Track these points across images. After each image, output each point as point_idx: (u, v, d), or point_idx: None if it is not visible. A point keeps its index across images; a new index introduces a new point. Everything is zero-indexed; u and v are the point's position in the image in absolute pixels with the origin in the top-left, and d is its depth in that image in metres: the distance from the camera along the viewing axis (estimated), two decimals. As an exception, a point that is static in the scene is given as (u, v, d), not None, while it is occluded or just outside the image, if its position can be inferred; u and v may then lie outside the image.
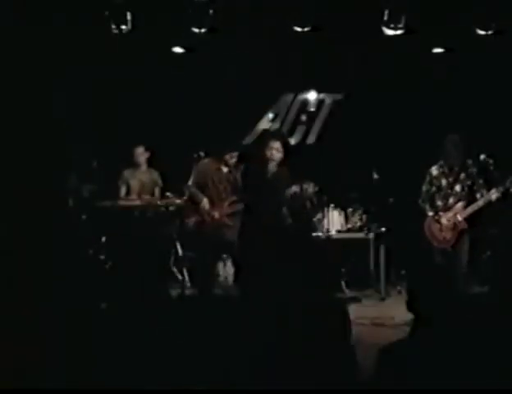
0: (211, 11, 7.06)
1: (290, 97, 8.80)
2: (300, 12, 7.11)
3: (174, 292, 7.10)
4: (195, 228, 6.55)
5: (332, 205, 7.59)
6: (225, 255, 7.41)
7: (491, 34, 7.08)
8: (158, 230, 7.45)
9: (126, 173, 7.73)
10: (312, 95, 8.71)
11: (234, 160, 6.46)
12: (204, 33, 7.19)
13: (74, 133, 7.76)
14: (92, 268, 6.94)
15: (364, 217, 7.61)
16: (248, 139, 8.54)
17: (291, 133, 8.81)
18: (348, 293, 7.50)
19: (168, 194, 7.53)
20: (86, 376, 3.28)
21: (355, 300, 7.19)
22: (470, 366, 2.66)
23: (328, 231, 7.45)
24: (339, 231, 7.59)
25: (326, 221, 7.48)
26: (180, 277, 7.62)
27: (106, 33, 7.17)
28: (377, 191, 7.49)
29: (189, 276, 7.62)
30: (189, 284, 7.53)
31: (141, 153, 7.71)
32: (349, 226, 7.66)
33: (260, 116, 8.74)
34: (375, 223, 7.53)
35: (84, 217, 7.23)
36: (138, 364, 3.26)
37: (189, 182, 6.60)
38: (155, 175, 7.79)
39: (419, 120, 8.04)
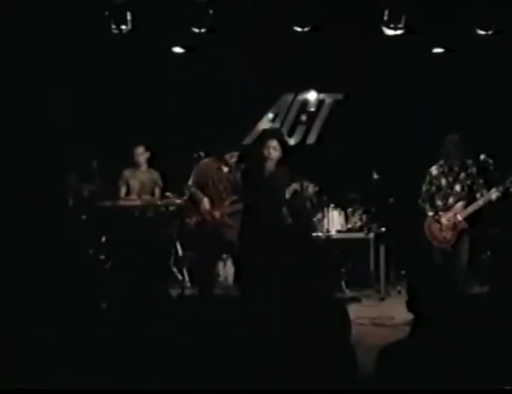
0: (211, 11, 7.06)
1: (290, 97, 8.80)
2: (300, 12, 7.10)
3: (174, 292, 7.11)
4: (196, 228, 6.55)
5: (332, 205, 7.59)
6: (225, 255, 7.41)
7: (491, 34, 7.07)
8: (158, 230, 7.45)
9: (126, 173, 7.73)
10: (312, 95, 8.71)
11: (234, 160, 6.46)
12: (204, 33, 7.18)
13: (74, 133, 7.76)
14: (92, 268, 6.94)
15: (364, 217, 7.61)
16: (248, 139, 8.54)
17: (291, 133, 8.81)
18: (348, 293, 7.51)
19: (168, 194, 7.53)
20: (86, 376, 3.28)
21: (355, 300, 7.20)
22: (470, 366, 2.66)
23: (328, 231, 7.45)
24: (339, 231, 7.59)
25: (326, 221, 7.48)
26: (180, 277, 7.62)
27: (106, 33, 7.17)
28: (377, 191, 7.49)
29: (189, 276, 7.62)
30: (189, 284, 7.53)
31: (141, 153, 7.71)
32: (349, 226, 7.67)
33: (260, 116, 8.74)
34: (375, 223, 7.54)
35: (84, 217, 7.23)
36: (138, 364, 3.26)
37: (190, 182, 6.60)
38: (155, 175, 7.79)
39: (419, 120, 8.04)
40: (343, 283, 7.59)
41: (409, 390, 2.66)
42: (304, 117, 8.79)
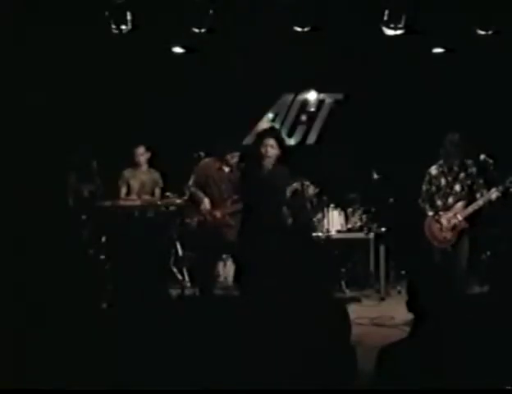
0: (211, 11, 7.06)
1: (290, 97, 8.81)
2: (300, 12, 7.10)
3: (174, 292, 7.12)
4: (197, 228, 6.55)
5: (332, 205, 7.59)
6: (225, 255, 7.41)
7: (491, 34, 7.07)
8: (158, 230, 7.45)
9: (127, 173, 7.73)
10: (312, 95, 8.71)
11: (235, 160, 6.46)
12: (204, 33, 7.18)
13: (74, 133, 7.76)
14: (92, 268, 6.94)
15: (364, 217, 7.61)
16: (248, 140, 8.53)
17: (291, 133, 8.82)
18: (348, 293, 7.51)
19: (168, 194, 7.54)
20: (86, 376, 3.28)
21: (355, 300, 7.20)
22: (470, 366, 2.66)
23: (328, 231, 7.45)
24: (339, 231, 7.59)
25: (326, 221, 7.48)
26: (180, 277, 7.62)
27: (106, 33, 7.16)
28: (377, 191, 7.49)
29: (189, 276, 7.62)
30: (189, 284, 7.53)
31: (142, 153, 7.70)
32: (349, 226, 7.67)
33: (260, 116, 8.74)
34: (375, 223, 7.54)
35: (84, 217, 7.23)
36: (138, 364, 3.26)
37: (190, 182, 6.60)
38: (155, 175, 7.79)
39: (419, 120, 8.04)
40: (343, 283, 7.59)
41: (409, 390, 2.66)
42: (303, 117, 8.79)
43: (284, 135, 8.48)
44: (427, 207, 6.19)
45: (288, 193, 5.84)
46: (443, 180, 6.14)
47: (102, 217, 7.24)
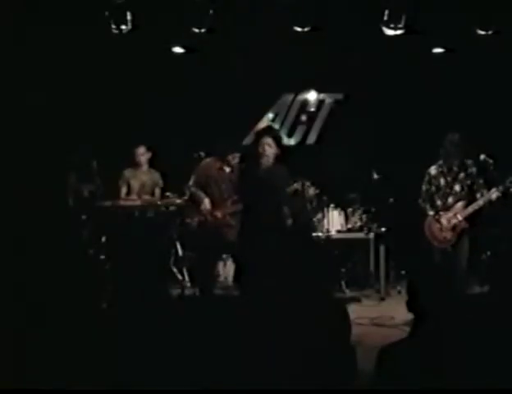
0: (211, 11, 7.06)
1: (290, 97, 8.81)
2: (300, 12, 7.10)
3: (174, 292, 7.12)
4: (197, 228, 6.54)
5: (332, 205, 7.59)
6: (225, 255, 7.41)
7: (491, 34, 7.07)
8: (158, 230, 7.45)
9: (127, 173, 7.73)
10: (312, 95, 8.71)
11: (236, 161, 6.46)
12: (204, 33, 7.18)
13: (74, 133, 7.76)
14: (92, 268, 6.94)
15: (364, 217, 7.61)
16: (248, 140, 8.53)
17: (291, 133, 8.82)
18: (348, 293, 7.51)
19: (168, 194, 7.54)
20: (86, 376, 3.28)
21: (355, 300, 7.20)
22: (470, 366, 2.66)
23: (328, 231, 7.46)
24: (339, 231, 7.59)
25: (326, 221, 7.49)
26: (180, 277, 7.62)
27: (106, 33, 7.16)
28: (377, 191, 7.49)
29: (189, 276, 7.62)
30: (189, 284, 7.53)
31: (142, 153, 7.70)
32: (349, 226, 7.67)
33: (260, 116, 8.74)
34: (375, 223, 7.54)
35: (84, 217, 7.23)
36: (138, 364, 3.26)
37: (190, 182, 6.60)
38: (156, 175, 7.79)
39: (419, 120, 8.04)
40: (343, 283, 7.59)
41: (409, 390, 2.66)
42: (303, 117, 8.79)
43: (284, 134, 8.50)
44: (428, 207, 6.19)
45: (288, 193, 5.84)
46: (442, 181, 6.14)
47: (102, 217, 7.24)
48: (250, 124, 8.66)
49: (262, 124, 8.58)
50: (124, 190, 7.71)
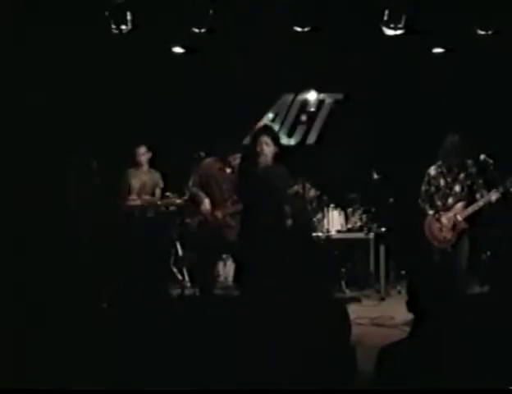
0: (211, 11, 7.06)
1: (290, 97, 8.81)
2: (300, 12, 7.10)
3: (174, 292, 7.12)
4: (197, 228, 6.54)
5: (332, 205, 7.59)
6: (225, 255, 7.41)
7: (491, 34, 7.07)
8: (158, 230, 7.45)
9: (128, 173, 7.73)
10: (312, 95, 8.71)
11: (237, 161, 6.45)
12: (204, 33, 7.18)
13: (74, 133, 7.76)
14: (92, 268, 6.94)
15: (364, 217, 7.61)
16: (248, 140, 8.52)
17: (291, 133, 8.82)
18: (348, 293, 7.51)
19: (168, 194, 7.54)
20: (86, 376, 3.28)
21: (355, 300, 7.20)
22: (470, 366, 2.66)
23: (328, 231, 7.46)
24: (339, 231, 7.60)
25: (326, 221, 7.49)
26: (180, 277, 7.62)
27: (106, 33, 7.16)
28: (377, 191, 7.49)
29: (189, 276, 7.62)
30: (189, 284, 7.53)
31: (143, 153, 7.70)
32: (349, 226, 7.67)
33: (260, 116, 8.74)
34: (375, 223, 7.54)
35: (84, 217, 7.23)
36: (138, 364, 3.26)
37: (191, 182, 6.60)
38: (156, 175, 7.79)
39: (419, 120, 8.04)
40: (343, 283, 7.60)
41: (409, 390, 2.66)
42: (303, 117, 8.79)
43: (284, 134, 8.50)
44: (427, 207, 6.18)
45: (289, 194, 5.84)
46: (442, 181, 6.14)
47: (102, 217, 7.24)
48: (250, 124, 8.65)
49: (260, 123, 8.58)
50: (124, 190, 7.70)
